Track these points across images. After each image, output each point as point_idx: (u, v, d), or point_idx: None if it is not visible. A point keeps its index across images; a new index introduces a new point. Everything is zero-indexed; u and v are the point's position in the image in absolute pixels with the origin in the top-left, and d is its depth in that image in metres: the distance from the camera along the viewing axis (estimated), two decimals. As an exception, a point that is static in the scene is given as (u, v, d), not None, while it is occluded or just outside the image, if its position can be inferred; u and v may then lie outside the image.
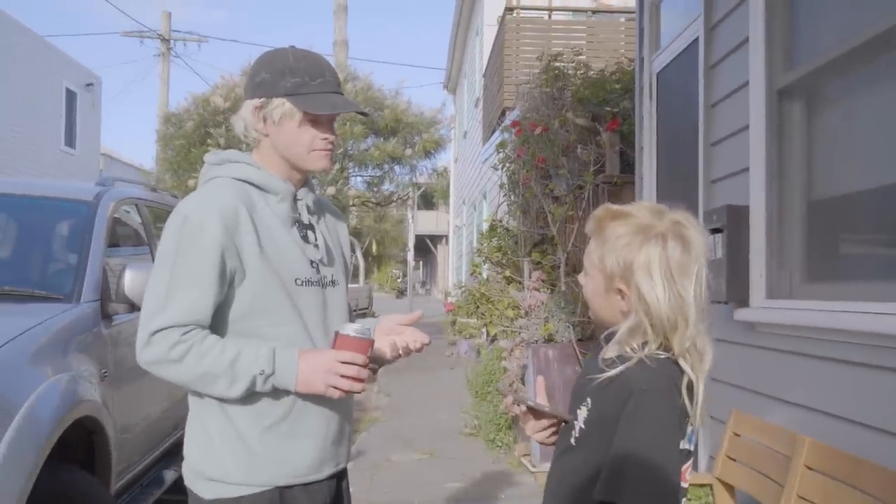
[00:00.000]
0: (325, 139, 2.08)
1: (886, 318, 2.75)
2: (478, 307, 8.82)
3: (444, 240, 39.48)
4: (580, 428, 1.65)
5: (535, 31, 12.68)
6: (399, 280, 52.38)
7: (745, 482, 3.12)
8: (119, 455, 3.55)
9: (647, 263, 1.58)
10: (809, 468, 2.70)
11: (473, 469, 6.21)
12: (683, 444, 1.58)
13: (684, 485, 1.60)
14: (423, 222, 39.02)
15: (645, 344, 1.60)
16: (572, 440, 1.67)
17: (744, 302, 3.76)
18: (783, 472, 2.82)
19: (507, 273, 8.28)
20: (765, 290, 3.63)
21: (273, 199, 2.07)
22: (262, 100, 2.05)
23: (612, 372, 1.60)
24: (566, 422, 1.72)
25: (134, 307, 3.84)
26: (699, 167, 4.43)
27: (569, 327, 6.62)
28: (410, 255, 25.03)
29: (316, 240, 2.14)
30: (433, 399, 9.28)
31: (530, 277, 7.49)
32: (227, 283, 1.96)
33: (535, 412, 1.79)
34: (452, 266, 25.98)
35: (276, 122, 2.05)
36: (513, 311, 7.46)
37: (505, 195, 9.01)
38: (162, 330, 1.90)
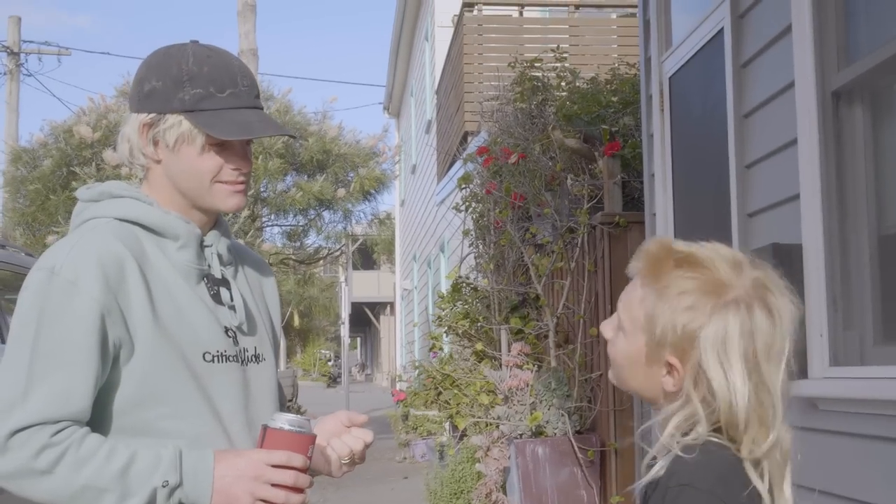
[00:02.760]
0: (237, 170, 2.04)
1: None
2: (440, 394, 8.73)
3: (388, 308, 39.38)
4: None
5: (502, 32, 12.87)
6: (330, 363, 52.08)
7: None
8: None
9: (721, 339, 1.51)
10: (906, 591, 2.63)
11: None
12: None
13: None
14: (360, 286, 38.90)
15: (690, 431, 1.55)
16: None
17: (801, 372, 3.70)
18: None
19: (479, 346, 8.21)
20: (828, 354, 3.59)
21: (171, 245, 2.02)
22: (153, 115, 2.00)
23: (651, 474, 1.54)
24: None
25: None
26: (731, 197, 4.42)
27: (563, 416, 6.54)
28: (345, 330, 24.84)
29: (232, 300, 2.09)
30: (383, 519, 9.10)
31: (509, 351, 7.42)
32: (109, 361, 1.88)
33: None
34: (401, 342, 25.86)
35: (171, 147, 2.00)
36: (487, 397, 7.37)
37: (471, 244, 9.00)
38: (23, 430, 1.81)
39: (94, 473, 1.81)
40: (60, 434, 1.82)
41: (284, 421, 1.90)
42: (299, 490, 1.90)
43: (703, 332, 1.52)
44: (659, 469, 1.53)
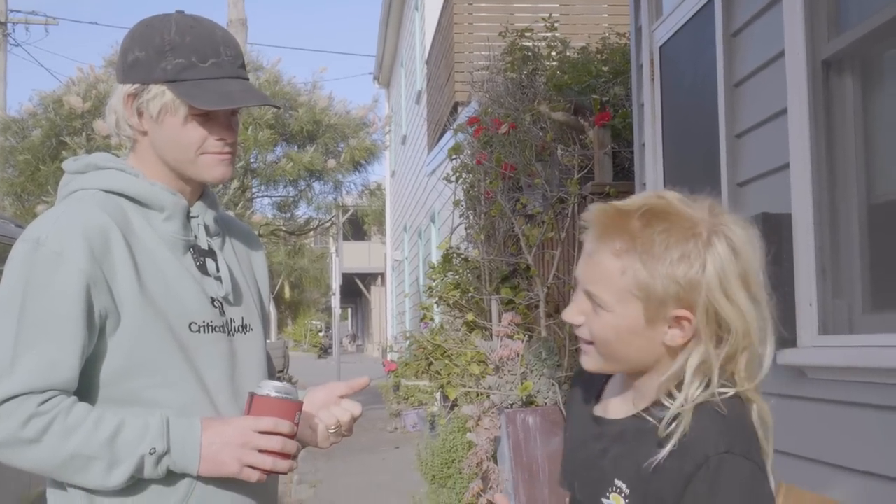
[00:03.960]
0: (222, 140, 2.04)
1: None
2: (430, 364, 8.75)
3: (379, 279, 39.43)
4: None
5: (492, 1, 12.82)
6: (321, 334, 52.19)
7: (805, 580, 3.06)
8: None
9: (720, 272, 1.53)
10: (892, 557, 2.66)
11: (433, 580, 6.09)
12: None
13: None
14: (351, 257, 38.90)
15: (703, 384, 1.57)
16: None
17: (789, 341, 3.73)
18: (857, 563, 2.77)
19: (470, 317, 8.22)
20: (817, 323, 3.61)
21: (157, 216, 2.03)
22: (136, 86, 2.01)
23: (671, 443, 1.53)
24: None
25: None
26: (721, 166, 4.42)
27: (553, 385, 6.57)
28: (336, 301, 24.86)
29: (218, 270, 2.10)
30: (374, 489, 9.15)
31: (500, 321, 7.43)
32: (96, 331, 1.90)
33: None
34: (392, 313, 25.91)
35: (155, 117, 2.01)
36: (478, 367, 7.39)
37: (462, 215, 9.00)
38: (10, 399, 1.83)
39: (82, 442, 1.83)
40: (48, 403, 1.83)
41: (271, 388, 1.92)
42: (287, 456, 1.92)
43: (706, 274, 1.53)
44: (680, 433, 1.53)
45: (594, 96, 7.35)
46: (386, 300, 30.18)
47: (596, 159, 6.94)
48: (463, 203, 8.88)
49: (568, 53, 8.56)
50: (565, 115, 7.33)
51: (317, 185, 15.87)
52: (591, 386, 1.76)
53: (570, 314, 1.66)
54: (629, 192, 6.10)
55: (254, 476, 1.91)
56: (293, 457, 1.95)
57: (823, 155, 3.67)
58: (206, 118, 2.00)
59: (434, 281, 9.39)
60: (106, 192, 2.00)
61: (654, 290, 1.54)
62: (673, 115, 5.31)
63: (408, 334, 11.40)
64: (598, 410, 1.71)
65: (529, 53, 8.37)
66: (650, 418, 1.58)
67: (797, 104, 3.74)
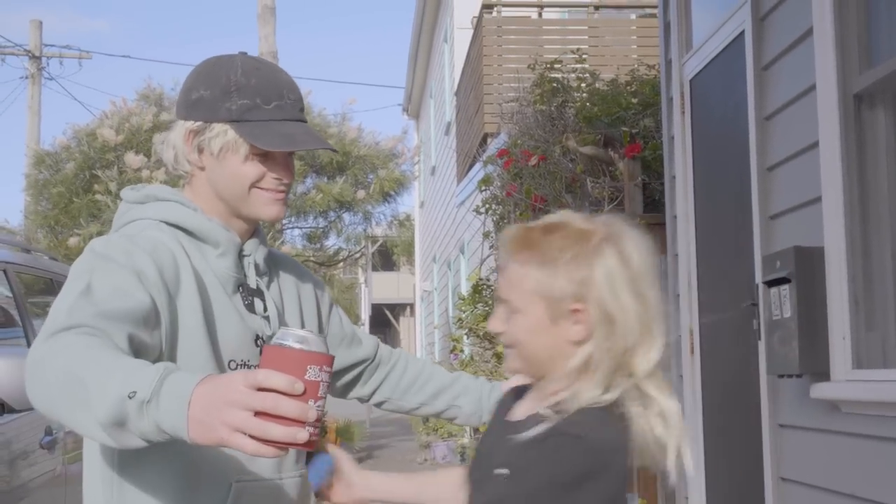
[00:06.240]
0: (278, 180, 2.07)
1: None
2: (460, 396, 8.72)
3: (408, 310, 39.39)
4: None
5: (521, 33, 12.86)
6: (350, 365, 52.02)
7: None
8: None
9: (607, 274, 1.70)
10: None
11: None
12: None
13: None
14: (380, 287, 38.92)
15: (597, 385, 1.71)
16: None
17: (823, 374, 3.72)
18: None
19: (500, 348, 8.21)
20: (851, 357, 3.59)
21: (211, 251, 2.05)
22: (199, 123, 2.04)
23: (543, 426, 1.66)
24: None
25: (4, 408, 3.72)
26: (753, 199, 4.43)
27: (585, 418, 6.54)
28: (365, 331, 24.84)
29: (266, 311, 2.10)
30: (404, 521, 9.11)
31: (530, 353, 7.42)
32: (152, 329, 1.83)
33: None
34: (421, 344, 25.89)
35: (216, 155, 2.03)
36: (509, 399, 7.37)
37: (492, 246, 9.01)
38: (62, 331, 1.68)
39: (89, 360, 1.62)
40: (88, 329, 1.69)
41: (290, 337, 1.56)
42: (295, 421, 1.48)
43: (594, 272, 1.70)
44: (556, 421, 1.66)
45: (624, 128, 7.35)
46: (415, 331, 30.16)
47: (626, 191, 6.94)
48: (493, 234, 8.90)
49: (597, 85, 8.58)
50: (593, 149, 7.33)
51: (346, 216, 15.92)
52: (514, 399, 1.89)
53: (492, 323, 1.84)
54: (660, 223, 6.10)
55: (248, 445, 1.47)
56: (313, 425, 1.52)
57: (856, 188, 3.67)
58: (265, 158, 2.03)
59: (464, 312, 9.40)
60: (164, 223, 2.02)
61: (552, 289, 1.72)
62: (703, 148, 5.32)
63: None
64: (510, 416, 1.83)
65: (558, 85, 8.38)
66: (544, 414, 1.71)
67: (829, 137, 3.75)
